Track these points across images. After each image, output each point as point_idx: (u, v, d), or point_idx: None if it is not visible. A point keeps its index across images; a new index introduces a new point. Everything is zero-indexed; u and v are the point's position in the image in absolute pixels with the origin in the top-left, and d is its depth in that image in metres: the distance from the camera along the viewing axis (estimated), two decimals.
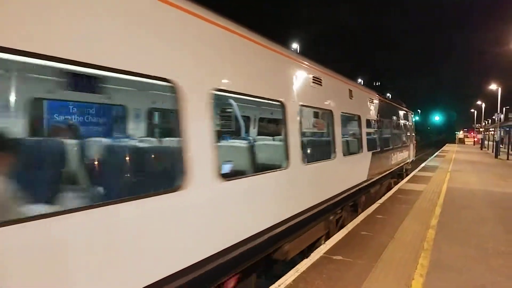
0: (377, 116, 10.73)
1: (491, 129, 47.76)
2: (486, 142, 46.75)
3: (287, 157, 4.99)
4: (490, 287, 4.59)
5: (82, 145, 3.85)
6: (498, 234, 6.89)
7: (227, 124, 6.86)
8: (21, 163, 2.76)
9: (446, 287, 4.57)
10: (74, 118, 5.27)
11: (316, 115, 7.44)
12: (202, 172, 3.33)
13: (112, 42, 2.57)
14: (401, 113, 15.78)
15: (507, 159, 26.91)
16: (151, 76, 2.88)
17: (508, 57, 35.38)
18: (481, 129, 62.78)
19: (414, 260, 5.41)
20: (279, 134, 5.56)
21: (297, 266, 5.11)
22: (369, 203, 9.50)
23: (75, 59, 2.30)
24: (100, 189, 3.28)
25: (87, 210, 2.35)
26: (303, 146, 5.57)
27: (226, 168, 4.10)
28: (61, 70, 2.85)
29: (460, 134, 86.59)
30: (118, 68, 2.61)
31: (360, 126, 8.74)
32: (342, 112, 7.43)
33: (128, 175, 3.64)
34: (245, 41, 4.30)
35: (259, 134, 8.25)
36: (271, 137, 6.59)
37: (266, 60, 4.84)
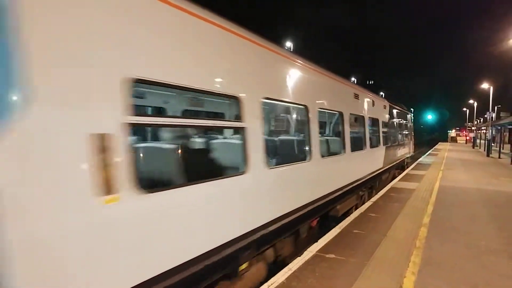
0: (388, 119, 13.67)
1: (483, 128, 48.29)
2: (478, 141, 47.26)
3: (344, 147, 7.87)
4: (483, 285, 4.60)
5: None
6: (491, 232, 6.93)
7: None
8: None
9: (438, 285, 4.58)
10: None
11: (355, 119, 9.85)
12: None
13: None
14: (404, 115, 18.70)
15: (499, 157, 27.20)
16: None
17: (500, 56, 35.77)
18: (473, 128, 63.49)
19: (406, 258, 5.42)
20: (335, 133, 8.76)
21: (289, 265, 5.08)
22: (380, 187, 12.18)
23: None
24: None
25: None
26: (350, 141, 8.21)
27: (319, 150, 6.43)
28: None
29: (453, 133, 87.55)
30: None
31: (378, 126, 11.69)
32: (369, 117, 10.44)
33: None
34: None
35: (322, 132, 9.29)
36: (331, 134, 9.07)
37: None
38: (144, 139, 5.71)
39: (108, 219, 2.58)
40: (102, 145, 2.53)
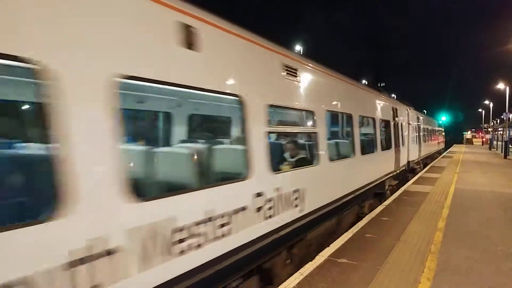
0: (431, 126, 25.16)
1: (499, 129, 47.18)
2: (494, 142, 46.15)
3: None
4: None
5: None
6: (507, 236, 6.74)
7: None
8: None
9: None
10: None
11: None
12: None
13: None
14: (433, 124, 30.58)
15: None
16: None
17: None
18: (489, 129, 62.04)
19: (421, 263, 5.31)
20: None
21: (301, 270, 5.04)
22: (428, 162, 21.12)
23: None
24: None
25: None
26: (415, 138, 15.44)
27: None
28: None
29: (468, 135, 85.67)
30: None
31: (419, 131, 18.81)
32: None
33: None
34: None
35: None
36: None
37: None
38: None
39: None
40: None
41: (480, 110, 78.44)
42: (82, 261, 2.31)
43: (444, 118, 52.23)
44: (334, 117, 7.78)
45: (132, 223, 2.70)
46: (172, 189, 3.40)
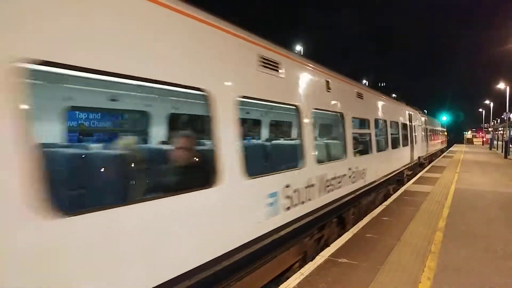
0: (435, 127, 29.59)
1: (500, 129, 47.15)
2: (495, 142, 46.11)
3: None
4: None
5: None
6: (508, 236, 6.75)
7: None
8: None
9: None
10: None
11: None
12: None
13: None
14: (438, 125, 34.35)
15: None
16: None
17: None
18: (489, 129, 61.99)
19: (421, 262, 5.32)
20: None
21: (301, 270, 5.05)
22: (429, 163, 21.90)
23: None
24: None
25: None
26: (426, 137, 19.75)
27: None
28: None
29: (468, 134, 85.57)
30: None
31: (426, 132, 21.17)
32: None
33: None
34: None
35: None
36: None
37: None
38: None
39: None
40: None
41: (480, 109, 78.44)
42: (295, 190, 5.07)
43: (444, 118, 52.23)
44: (378, 122, 10.36)
45: (318, 174, 5.79)
46: (327, 160, 6.63)
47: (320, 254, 5.66)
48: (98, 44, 2.55)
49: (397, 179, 12.93)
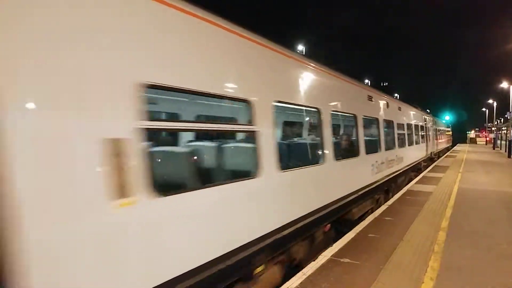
0: (443, 128, 33.74)
1: (503, 128, 46.90)
2: (498, 142, 45.88)
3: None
4: None
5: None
6: (511, 236, 6.71)
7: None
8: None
9: None
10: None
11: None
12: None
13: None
14: (445, 126, 38.12)
15: None
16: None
17: None
18: (493, 128, 61.72)
19: (424, 263, 5.30)
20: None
21: (303, 270, 5.05)
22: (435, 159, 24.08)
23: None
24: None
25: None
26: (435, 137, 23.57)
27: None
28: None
29: (472, 134, 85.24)
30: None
31: (436, 132, 24.92)
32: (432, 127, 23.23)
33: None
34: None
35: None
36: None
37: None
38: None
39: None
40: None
41: (484, 109, 78.07)
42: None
43: (447, 117, 52.14)
44: (409, 126, 14.05)
45: (385, 156, 10.02)
46: (387, 149, 10.28)
47: (322, 254, 5.65)
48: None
49: (417, 168, 17.11)
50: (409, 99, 19.08)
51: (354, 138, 7.87)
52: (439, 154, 28.47)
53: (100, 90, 2.53)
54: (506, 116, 43.12)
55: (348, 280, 4.71)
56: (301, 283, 4.61)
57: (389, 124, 10.93)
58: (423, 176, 15.54)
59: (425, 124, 18.97)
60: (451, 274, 4.92)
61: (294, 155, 5.92)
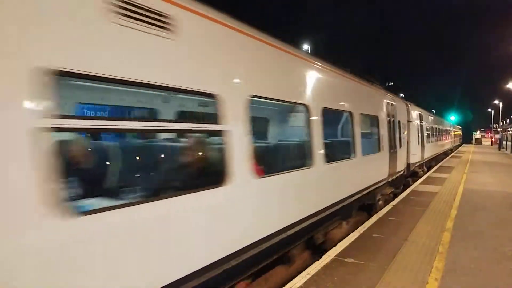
0: (456, 130, 46.72)
1: (509, 129, 46.48)
2: (504, 143, 45.49)
3: (448, 139, 31.65)
4: None
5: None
6: None
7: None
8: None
9: None
10: None
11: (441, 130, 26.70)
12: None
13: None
14: (457, 128, 49.91)
15: None
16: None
17: None
18: (498, 129, 61.19)
19: (429, 263, 5.28)
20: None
21: (307, 269, 5.05)
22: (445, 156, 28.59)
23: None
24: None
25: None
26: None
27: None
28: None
29: (477, 134, 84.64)
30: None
31: (448, 133, 32.46)
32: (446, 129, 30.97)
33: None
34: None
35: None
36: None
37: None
38: None
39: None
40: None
41: (489, 109, 77.47)
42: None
43: (453, 117, 51.92)
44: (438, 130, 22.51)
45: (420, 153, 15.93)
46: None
47: (326, 254, 5.65)
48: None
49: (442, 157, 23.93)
50: (414, 98, 18.83)
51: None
52: (455, 148, 40.57)
53: None
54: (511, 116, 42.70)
55: (352, 280, 4.71)
56: (305, 282, 4.61)
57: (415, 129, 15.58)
58: (428, 177, 15.47)
59: (448, 127, 32.64)
60: (456, 275, 4.90)
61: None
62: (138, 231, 2.69)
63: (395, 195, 10.76)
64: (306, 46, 33.31)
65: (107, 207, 2.50)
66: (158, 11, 2.87)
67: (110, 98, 4.87)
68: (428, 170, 18.10)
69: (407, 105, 13.88)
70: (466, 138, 73.46)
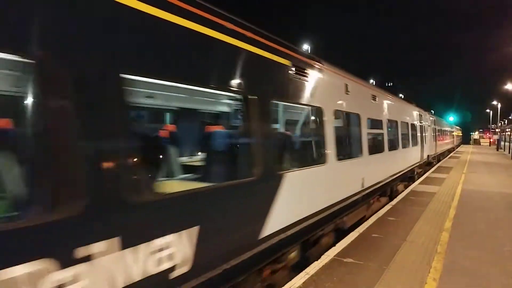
0: (457, 131, 53.47)
1: (507, 130, 46.61)
2: (502, 143, 45.59)
3: (453, 140, 42.74)
4: None
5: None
6: None
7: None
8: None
9: None
10: None
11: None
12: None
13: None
14: (458, 130, 57.05)
15: None
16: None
17: None
18: (497, 130, 61.31)
19: (427, 263, 5.29)
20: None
21: (306, 269, 5.05)
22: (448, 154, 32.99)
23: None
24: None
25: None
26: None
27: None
28: None
29: (476, 135, 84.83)
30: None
31: (452, 134, 40.85)
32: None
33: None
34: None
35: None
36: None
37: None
38: None
39: None
40: None
41: (488, 110, 77.65)
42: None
43: (451, 118, 52.20)
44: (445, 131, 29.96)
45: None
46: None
47: (325, 254, 5.65)
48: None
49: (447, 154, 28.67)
50: (414, 99, 18.82)
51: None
52: (456, 147, 44.43)
53: None
54: (510, 117, 42.88)
55: (351, 280, 4.71)
56: (304, 282, 4.61)
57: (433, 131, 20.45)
58: (426, 177, 15.50)
59: (452, 129, 34.82)
60: (454, 275, 4.92)
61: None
62: (305, 180, 5.23)
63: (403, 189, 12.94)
64: (306, 46, 33.31)
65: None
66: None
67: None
68: (437, 162, 23.63)
69: (428, 114, 20.05)
70: (465, 139, 73.63)
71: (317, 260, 5.43)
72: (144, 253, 2.64)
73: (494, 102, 62.63)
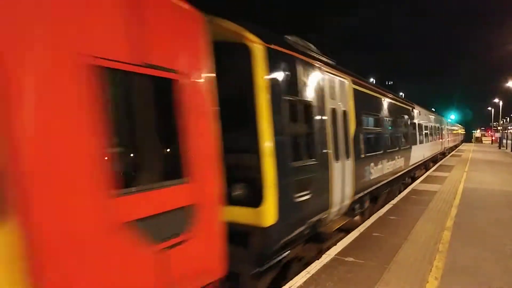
0: (461, 130, 59.28)
1: (509, 127, 46.49)
2: (504, 141, 45.49)
3: (459, 138, 52.78)
4: None
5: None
6: None
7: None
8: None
9: None
10: None
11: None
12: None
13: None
14: (461, 128, 60.33)
15: None
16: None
17: None
18: (499, 128, 61.20)
19: (429, 262, 5.28)
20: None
21: (307, 268, 5.05)
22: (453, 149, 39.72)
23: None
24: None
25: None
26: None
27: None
28: None
29: (477, 133, 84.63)
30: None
31: (458, 133, 50.65)
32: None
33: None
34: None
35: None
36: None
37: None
38: None
39: None
40: None
41: (489, 108, 77.43)
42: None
43: (452, 116, 52.32)
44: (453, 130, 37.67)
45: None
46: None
47: (326, 253, 5.65)
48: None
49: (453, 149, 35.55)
50: (414, 98, 19.31)
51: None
52: (458, 144, 47.88)
53: None
54: None
55: (352, 279, 4.71)
56: (305, 281, 4.61)
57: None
58: (428, 176, 15.47)
59: (458, 129, 39.75)
60: (456, 274, 4.90)
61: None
62: (417, 148, 14.03)
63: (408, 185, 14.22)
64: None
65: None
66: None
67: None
68: (450, 152, 30.97)
69: (443, 119, 27.80)
70: (466, 137, 73.46)
71: (318, 259, 5.43)
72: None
73: (496, 100, 62.46)
